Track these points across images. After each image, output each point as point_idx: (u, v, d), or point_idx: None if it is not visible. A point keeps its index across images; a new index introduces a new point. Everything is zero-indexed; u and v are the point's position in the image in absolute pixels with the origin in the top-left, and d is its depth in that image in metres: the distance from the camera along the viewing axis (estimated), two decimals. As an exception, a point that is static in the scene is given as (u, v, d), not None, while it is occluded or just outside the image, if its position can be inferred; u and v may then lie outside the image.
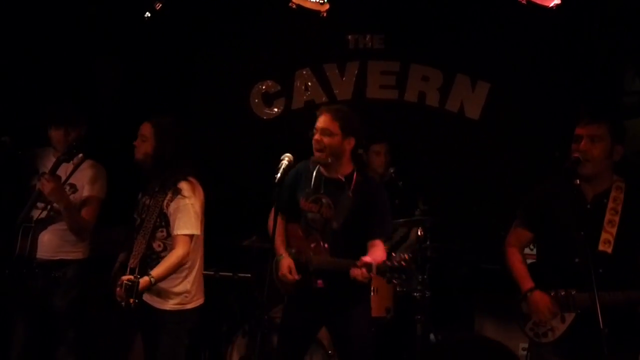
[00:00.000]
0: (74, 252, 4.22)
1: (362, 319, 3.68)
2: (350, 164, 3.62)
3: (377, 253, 3.42)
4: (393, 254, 3.32)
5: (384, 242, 3.57)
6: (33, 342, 4.19)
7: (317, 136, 3.54)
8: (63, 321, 4.19)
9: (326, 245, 3.54)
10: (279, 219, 3.66)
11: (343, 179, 3.59)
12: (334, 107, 3.67)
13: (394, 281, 3.28)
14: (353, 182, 3.56)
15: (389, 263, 3.25)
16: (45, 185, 3.91)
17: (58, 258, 4.15)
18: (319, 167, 3.65)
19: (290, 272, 3.55)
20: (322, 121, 3.54)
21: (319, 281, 3.54)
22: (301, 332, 3.74)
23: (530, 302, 3.31)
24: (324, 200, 3.61)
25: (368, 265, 3.28)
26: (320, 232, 3.59)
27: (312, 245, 3.59)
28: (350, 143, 3.55)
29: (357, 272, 3.29)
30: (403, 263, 3.21)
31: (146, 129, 3.73)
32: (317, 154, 3.55)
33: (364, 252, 3.41)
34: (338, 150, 3.53)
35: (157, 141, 3.68)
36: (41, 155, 4.18)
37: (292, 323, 3.75)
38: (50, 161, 4.05)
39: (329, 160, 3.54)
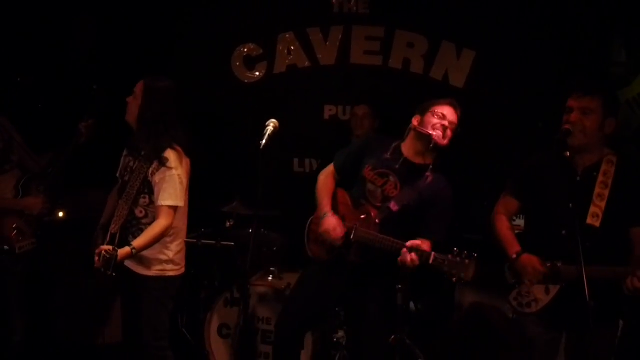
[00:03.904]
0: None
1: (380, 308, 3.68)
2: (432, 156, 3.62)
3: (425, 245, 3.37)
4: (455, 250, 3.23)
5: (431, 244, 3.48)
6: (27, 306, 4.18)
7: (450, 132, 3.55)
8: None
9: (377, 221, 3.47)
10: (331, 179, 3.74)
11: (422, 167, 3.56)
12: (454, 100, 3.66)
13: (453, 279, 3.21)
14: (430, 176, 3.54)
15: (451, 257, 3.18)
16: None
17: None
18: (400, 145, 3.61)
19: (335, 230, 3.50)
20: (453, 115, 3.59)
21: (359, 256, 3.50)
22: (323, 294, 3.70)
23: (519, 265, 3.32)
24: (391, 178, 3.55)
25: (421, 252, 3.23)
26: (375, 207, 3.52)
27: (362, 217, 3.52)
28: None
29: (407, 257, 3.24)
30: (466, 260, 3.17)
31: (138, 87, 3.66)
32: (445, 143, 3.55)
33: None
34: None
35: (144, 99, 3.60)
36: None
37: (318, 280, 3.71)
38: None
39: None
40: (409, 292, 4.71)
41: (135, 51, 5.57)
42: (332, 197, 3.71)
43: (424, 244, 3.36)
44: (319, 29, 5.60)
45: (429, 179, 3.53)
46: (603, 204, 3.15)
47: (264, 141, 3.30)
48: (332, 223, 3.54)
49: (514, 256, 3.34)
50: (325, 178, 3.79)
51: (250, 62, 5.74)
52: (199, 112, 5.56)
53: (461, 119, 4.86)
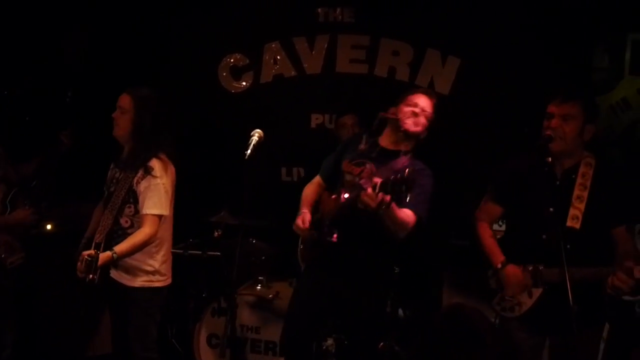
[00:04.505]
0: None
1: (369, 306, 3.66)
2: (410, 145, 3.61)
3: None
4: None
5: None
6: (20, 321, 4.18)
7: (422, 119, 3.55)
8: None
9: (346, 195, 3.38)
10: (316, 187, 3.80)
11: (399, 152, 3.56)
12: (430, 90, 3.74)
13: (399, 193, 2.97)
14: (407, 159, 3.52)
15: (391, 177, 2.99)
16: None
17: None
18: (376, 139, 3.66)
19: (302, 223, 3.52)
20: (426, 102, 3.59)
21: (335, 235, 3.47)
22: (315, 295, 3.69)
23: (503, 276, 3.33)
24: (367, 166, 3.55)
25: (375, 185, 3.07)
26: (349, 189, 3.44)
27: (333, 197, 3.52)
28: None
29: (365, 196, 3.08)
30: (406, 174, 2.94)
31: (125, 101, 3.62)
32: (416, 130, 3.54)
33: None
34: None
35: (136, 113, 3.58)
36: None
37: (308, 285, 3.73)
38: None
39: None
40: (397, 298, 4.73)
41: (123, 62, 5.58)
42: (317, 201, 3.74)
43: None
44: (305, 38, 5.63)
45: (407, 161, 3.50)
46: (582, 206, 3.16)
47: (248, 151, 3.32)
48: (300, 218, 3.59)
49: (499, 266, 3.35)
50: (310, 188, 3.84)
51: (236, 72, 5.77)
52: (186, 122, 5.58)
53: (447, 124, 4.92)
